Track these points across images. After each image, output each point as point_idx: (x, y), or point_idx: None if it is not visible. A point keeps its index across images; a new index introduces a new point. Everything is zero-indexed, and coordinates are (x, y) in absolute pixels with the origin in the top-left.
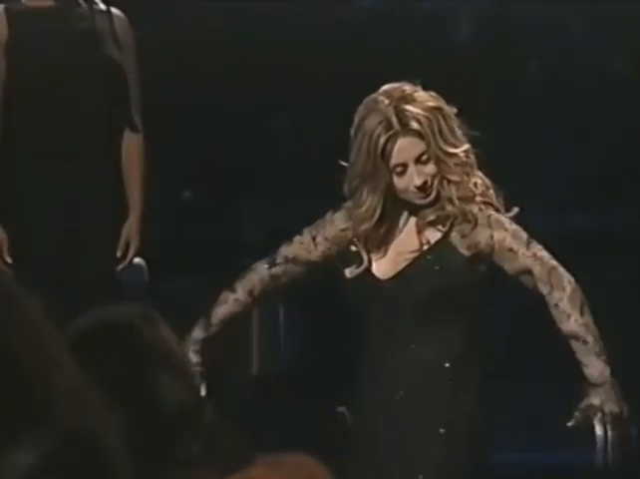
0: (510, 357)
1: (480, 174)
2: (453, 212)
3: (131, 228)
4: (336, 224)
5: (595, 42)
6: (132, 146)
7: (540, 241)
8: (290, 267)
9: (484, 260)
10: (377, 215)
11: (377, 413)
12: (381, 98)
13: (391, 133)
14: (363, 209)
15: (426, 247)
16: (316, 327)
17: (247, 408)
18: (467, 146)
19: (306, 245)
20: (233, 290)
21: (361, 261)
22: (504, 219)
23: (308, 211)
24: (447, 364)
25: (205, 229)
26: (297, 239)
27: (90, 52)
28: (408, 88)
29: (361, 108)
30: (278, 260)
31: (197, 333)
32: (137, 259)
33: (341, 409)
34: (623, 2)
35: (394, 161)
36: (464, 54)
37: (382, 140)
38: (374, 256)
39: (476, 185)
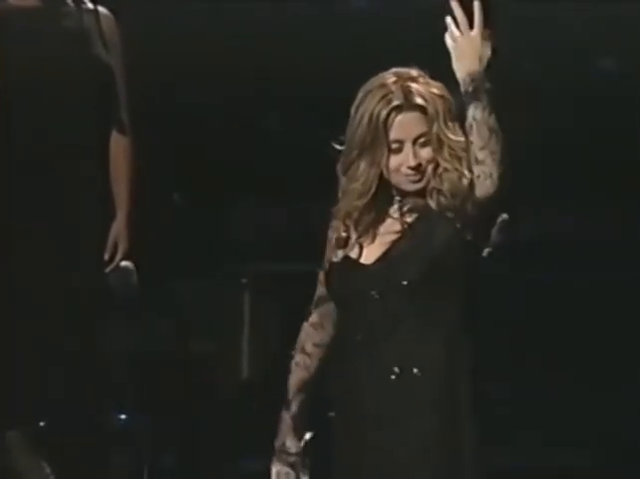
0: None
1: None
2: (436, 205)
3: (118, 228)
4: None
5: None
6: (119, 146)
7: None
8: (323, 309)
9: (469, 222)
10: (372, 191)
11: (366, 402)
12: (388, 75)
13: (394, 104)
14: (359, 182)
15: (408, 226)
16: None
17: (238, 411)
18: (464, 138)
19: (323, 279)
20: (293, 356)
21: (348, 245)
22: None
23: (301, 211)
24: (433, 352)
25: (196, 230)
26: (319, 278)
27: (76, 51)
28: (416, 72)
29: (365, 85)
30: (312, 309)
31: (285, 417)
32: (126, 263)
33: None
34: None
35: (393, 135)
36: None
37: (385, 111)
38: (363, 242)
39: (465, 178)
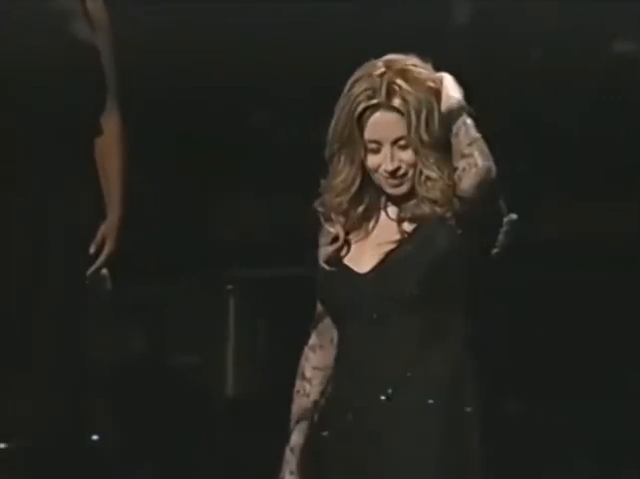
0: None
1: None
2: (430, 215)
3: (108, 228)
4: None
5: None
6: (108, 138)
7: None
8: (322, 327)
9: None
10: (354, 188)
11: (358, 419)
12: (379, 64)
13: (372, 102)
14: (339, 179)
15: (407, 235)
16: (293, 349)
17: (222, 431)
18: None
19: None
20: (294, 385)
21: (337, 241)
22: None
23: (290, 211)
24: (436, 369)
25: (175, 230)
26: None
27: (59, 32)
28: (413, 62)
29: (357, 71)
30: (311, 328)
31: (286, 451)
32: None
33: None
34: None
35: (367, 134)
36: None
37: (361, 107)
38: (352, 239)
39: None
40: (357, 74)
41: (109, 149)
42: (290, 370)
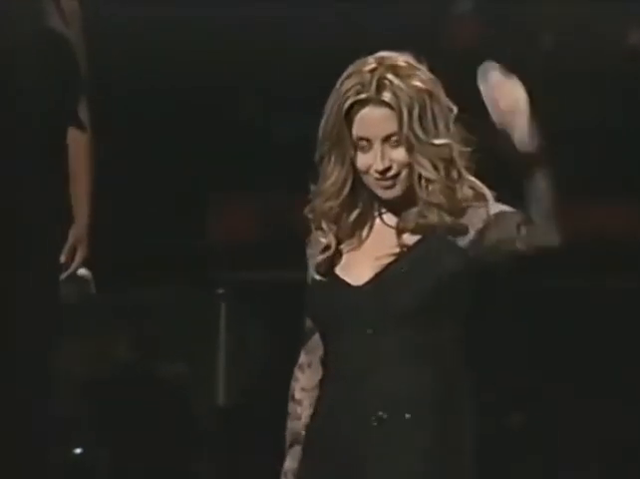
0: None
1: (472, 179)
2: (438, 223)
3: (79, 233)
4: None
5: None
6: (78, 140)
7: None
8: (311, 344)
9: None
10: (345, 191)
11: (349, 443)
12: (370, 60)
13: (361, 97)
14: (329, 182)
15: (407, 249)
16: (284, 357)
17: (214, 440)
18: (447, 140)
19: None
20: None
21: (327, 250)
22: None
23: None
24: (432, 388)
25: (164, 232)
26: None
27: (29, 27)
28: (405, 59)
29: (349, 67)
30: (301, 345)
31: (285, 470)
32: (82, 270)
33: None
34: None
35: (356, 131)
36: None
37: (348, 102)
38: (344, 249)
39: (458, 191)
40: (348, 71)
41: (78, 150)
42: (285, 380)
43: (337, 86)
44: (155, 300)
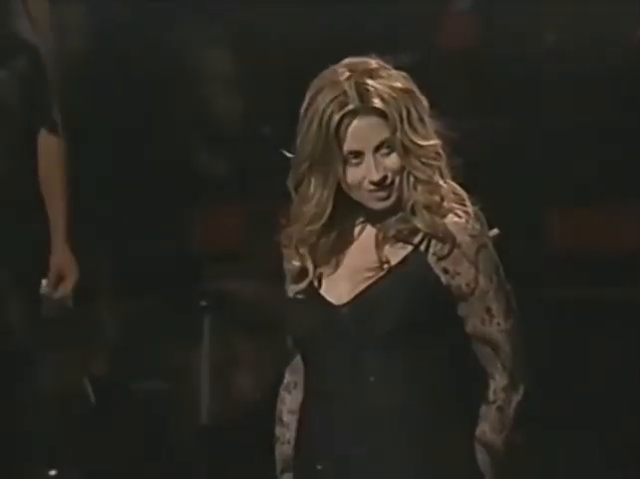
0: None
1: (452, 183)
2: (421, 226)
3: (62, 258)
4: None
5: None
6: (50, 149)
7: None
8: (295, 364)
9: (458, 297)
10: (327, 213)
11: (329, 467)
12: (341, 70)
13: (347, 109)
14: (312, 204)
15: (388, 266)
16: (271, 375)
17: (198, 458)
18: (438, 141)
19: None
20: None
21: (306, 277)
22: (494, 256)
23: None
24: (418, 408)
25: (142, 240)
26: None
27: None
28: (375, 62)
29: (315, 81)
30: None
31: None
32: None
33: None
34: None
35: (348, 146)
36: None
37: (336, 117)
38: (324, 272)
39: (445, 193)
40: (316, 85)
41: (51, 163)
42: (272, 398)
43: (307, 102)
44: (131, 313)
